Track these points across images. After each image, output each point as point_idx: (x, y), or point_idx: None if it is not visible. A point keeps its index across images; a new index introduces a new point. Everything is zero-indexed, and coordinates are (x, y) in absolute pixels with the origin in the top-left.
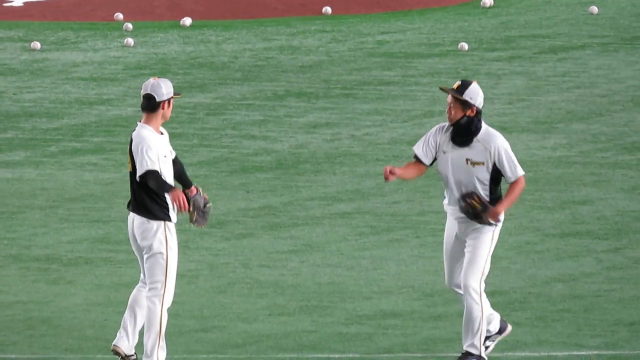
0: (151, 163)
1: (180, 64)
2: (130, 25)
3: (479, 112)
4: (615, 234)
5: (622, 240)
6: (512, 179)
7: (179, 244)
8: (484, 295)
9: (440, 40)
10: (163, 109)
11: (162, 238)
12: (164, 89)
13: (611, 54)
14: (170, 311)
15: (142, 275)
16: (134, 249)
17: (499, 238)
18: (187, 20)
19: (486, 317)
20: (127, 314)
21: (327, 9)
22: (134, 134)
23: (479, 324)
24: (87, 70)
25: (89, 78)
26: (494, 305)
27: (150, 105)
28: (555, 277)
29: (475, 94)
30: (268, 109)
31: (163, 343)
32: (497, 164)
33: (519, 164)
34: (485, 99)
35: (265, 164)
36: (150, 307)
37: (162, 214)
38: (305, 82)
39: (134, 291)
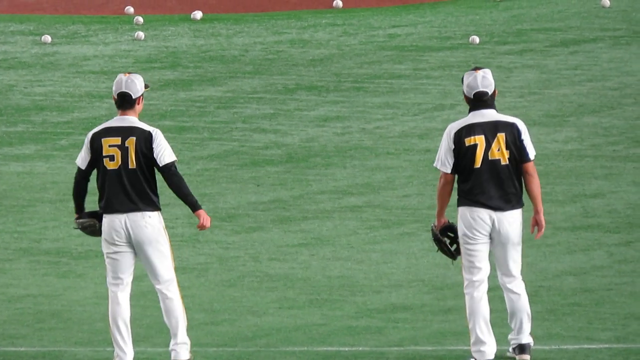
0: (172, 154)
1: (190, 58)
2: (141, 19)
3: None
4: (626, 227)
5: (634, 233)
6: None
7: (189, 237)
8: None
9: (452, 33)
10: (138, 104)
11: (162, 227)
12: (138, 85)
13: (623, 47)
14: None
15: (120, 276)
16: (118, 249)
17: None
18: (198, 14)
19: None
20: (124, 330)
21: (338, 3)
22: (131, 126)
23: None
24: (97, 63)
25: (100, 71)
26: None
27: (129, 102)
28: (566, 271)
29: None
30: (279, 103)
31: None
32: None
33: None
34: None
35: (275, 157)
36: (173, 298)
37: (158, 203)
38: (316, 75)
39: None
